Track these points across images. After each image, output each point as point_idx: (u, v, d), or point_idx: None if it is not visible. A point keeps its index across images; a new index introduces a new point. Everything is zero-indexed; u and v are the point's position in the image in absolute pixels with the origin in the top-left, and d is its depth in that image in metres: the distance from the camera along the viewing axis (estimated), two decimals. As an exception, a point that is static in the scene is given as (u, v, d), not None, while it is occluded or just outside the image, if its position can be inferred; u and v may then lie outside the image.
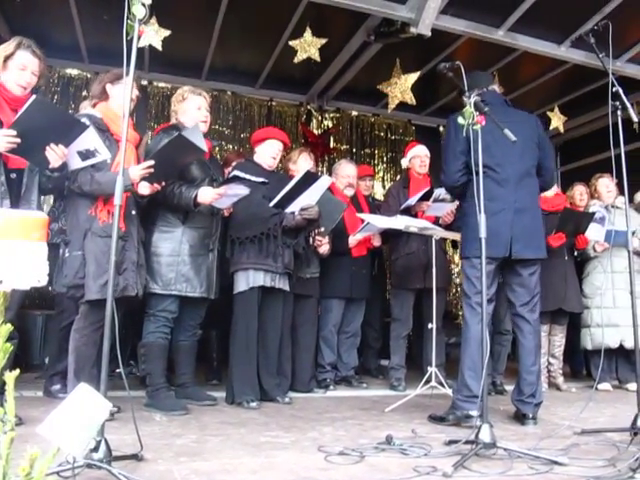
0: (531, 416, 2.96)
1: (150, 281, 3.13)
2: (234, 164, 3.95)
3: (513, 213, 2.96)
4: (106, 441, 1.83)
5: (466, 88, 2.52)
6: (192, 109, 3.31)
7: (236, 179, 3.18)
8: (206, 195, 3.10)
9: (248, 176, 3.19)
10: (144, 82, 6.08)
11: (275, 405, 3.41)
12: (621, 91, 2.80)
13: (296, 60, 4.94)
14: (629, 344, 4.37)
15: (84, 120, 2.76)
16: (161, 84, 6.22)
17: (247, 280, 3.44)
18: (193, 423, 2.83)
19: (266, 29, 5.19)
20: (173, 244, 3.20)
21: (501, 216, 2.93)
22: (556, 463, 2.12)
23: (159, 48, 4.64)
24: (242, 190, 3.17)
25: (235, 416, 3.06)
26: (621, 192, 3.94)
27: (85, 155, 2.72)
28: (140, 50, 4.90)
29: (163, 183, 2.97)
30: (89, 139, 2.69)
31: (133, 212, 2.97)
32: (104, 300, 2.54)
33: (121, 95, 2.93)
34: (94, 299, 2.76)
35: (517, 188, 3.00)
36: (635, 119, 2.78)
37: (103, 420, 1.69)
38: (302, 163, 3.99)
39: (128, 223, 2.91)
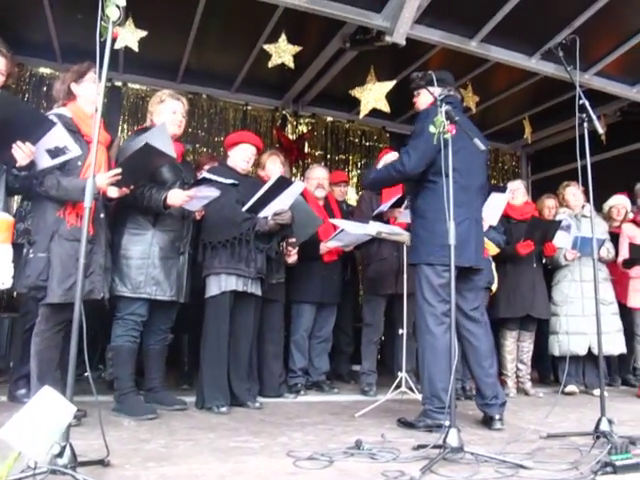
0: (498, 417, 2.99)
1: (119, 284, 3.11)
2: (207, 167, 3.94)
3: (475, 222, 3.03)
4: (71, 446, 1.80)
5: (438, 97, 2.55)
6: (167, 112, 3.30)
7: (206, 181, 3.16)
8: (176, 197, 3.08)
9: (218, 178, 3.18)
10: (118, 83, 6.04)
11: (245, 410, 3.40)
12: (587, 104, 2.87)
13: (270, 65, 4.96)
14: (597, 351, 4.47)
15: (52, 117, 2.70)
16: (135, 86, 6.16)
17: (219, 284, 3.42)
18: (162, 428, 2.80)
19: (243, 33, 5.19)
20: (143, 247, 3.17)
21: (466, 224, 2.96)
22: (521, 467, 2.15)
23: (135, 49, 4.60)
24: (212, 192, 3.16)
25: (205, 421, 3.04)
26: (588, 201, 4.05)
27: (54, 153, 2.66)
28: (115, 51, 4.91)
29: (132, 187, 2.95)
30: (57, 136, 2.62)
31: (102, 215, 2.94)
32: (66, 303, 2.51)
33: (89, 94, 2.91)
34: (56, 302, 2.72)
35: (477, 197, 3.09)
36: (600, 131, 2.85)
37: (67, 424, 1.67)
38: (271, 167, 4.00)
39: (96, 226, 2.87)
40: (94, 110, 2.06)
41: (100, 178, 2.66)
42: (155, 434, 2.64)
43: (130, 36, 4.47)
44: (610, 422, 2.61)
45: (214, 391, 3.35)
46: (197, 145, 6.36)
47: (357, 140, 7.28)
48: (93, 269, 2.86)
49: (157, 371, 3.38)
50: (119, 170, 2.73)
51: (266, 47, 4.95)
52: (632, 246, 4.66)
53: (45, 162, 2.70)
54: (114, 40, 2.04)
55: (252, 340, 3.63)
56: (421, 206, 3.10)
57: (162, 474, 1.98)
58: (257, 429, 2.86)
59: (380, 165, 3.25)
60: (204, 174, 3.26)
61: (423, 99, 3.27)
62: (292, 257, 3.98)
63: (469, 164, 2.99)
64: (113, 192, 2.84)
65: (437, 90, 3.00)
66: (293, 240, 3.86)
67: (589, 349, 4.51)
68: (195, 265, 3.46)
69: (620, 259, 4.71)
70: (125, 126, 6.02)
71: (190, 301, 3.44)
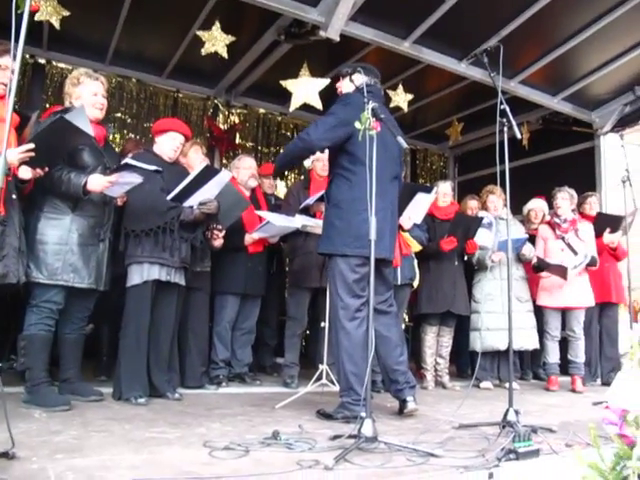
0: (411, 398, 3.09)
1: (34, 270, 2.97)
2: (132, 154, 3.83)
3: (391, 214, 3.07)
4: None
5: (365, 93, 2.59)
6: (87, 94, 3.18)
7: (128, 167, 3.07)
8: (96, 182, 2.98)
9: (140, 164, 3.10)
10: (42, 60, 5.77)
11: (164, 401, 3.35)
12: (508, 109, 2.99)
13: (204, 52, 4.88)
14: (515, 346, 4.69)
15: None
16: (61, 64, 5.90)
17: (142, 273, 3.35)
18: (76, 419, 2.71)
19: (176, 18, 5.08)
20: (61, 232, 3.05)
21: (382, 215, 2.91)
22: (432, 455, 2.23)
23: (56, 26, 4.40)
24: (135, 178, 3.07)
25: (121, 412, 2.97)
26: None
27: None
28: (38, 26, 4.69)
29: (47, 168, 2.82)
30: None
31: (13, 196, 2.79)
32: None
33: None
34: None
35: (390, 188, 3.12)
36: (519, 136, 2.98)
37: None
38: (193, 156, 3.95)
39: (8, 207, 2.73)
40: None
41: (11, 153, 2.52)
42: (67, 426, 2.55)
43: (52, 10, 4.26)
44: (517, 412, 2.74)
45: (132, 382, 3.27)
46: (125, 131, 6.16)
47: (289, 133, 7.28)
48: (7, 252, 2.72)
49: (73, 361, 3.27)
50: (31, 145, 2.60)
51: (199, 33, 4.88)
52: (539, 260, 4.91)
53: None
54: (33, 13, 1.94)
55: (173, 331, 3.57)
56: (336, 195, 3.06)
57: (71, 466, 1.91)
58: (175, 420, 2.82)
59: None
60: (127, 159, 3.16)
61: (346, 85, 3.26)
62: (218, 241, 3.89)
63: (384, 155, 2.97)
64: (25, 172, 2.71)
65: (361, 78, 3.04)
66: (219, 226, 3.81)
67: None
68: (116, 253, 3.36)
69: (534, 260, 4.94)
70: (48, 106, 5.75)
71: (110, 290, 3.35)
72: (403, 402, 3.11)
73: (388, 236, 3.05)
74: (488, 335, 4.75)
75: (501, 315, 4.68)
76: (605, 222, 5.21)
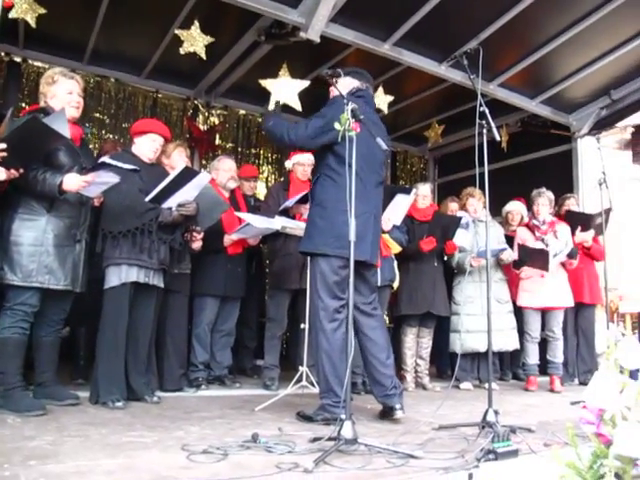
0: (399, 406, 3.06)
1: (8, 272, 2.92)
2: (109, 155, 3.78)
3: (374, 218, 3.07)
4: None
5: (345, 95, 2.58)
6: (62, 93, 3.13)
7: (105, 166, 3.03)
8: (72, 182, 2.93)
9: (118, 163, 3.05)
10: (17, 59, 5.67)
11: (142, 405, 3.31)
12: (487, 111, 3.00)
13: (182, 51, 4.85)
14: (495, 347, 4.73)
15: None
16: (37, 63, 5.79)
17: (119, 275, 3.31)
18: (51, 424, 2.66)
19: (155, 17, 5.03)
20: (36, 233, 2.99)
21: (365, 218, 2.96)
22: (412, 456, 2.22)
23: (32, 24, 4.33)
24: (112, 178, 3.03)
25: (98, 416, 2.92)
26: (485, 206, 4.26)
27: None
28: (14, 23, 4.61)
29: (22, 170, 2.77)
30: None
31: None
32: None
33: None
34: None
35: (375, 193, 3.13)
36: (497, 138, 2.99)
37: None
38: (176, 157, 3.91)
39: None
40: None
41: None
42: (42, 431, 2.50)
43: (27, 8, 4.19)
44: (496, 413, 2.76)
45: (110, 385, 3.23)
46: (103, 131, 6.09)
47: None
48: (-20, 254, 2.67)
49: (48, 364, 3.21)
50: (3, 145, 2.55)
51: (178, 32, 4.84)
52: (520, 247, 4.95)
53: None
54: (7, 9, 1.90)
55: (152, 333, 3.53)
56: (320, 194, 3.07)
57: (45, 473, 1.87)
58: (153, 424, 2.78)
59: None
60: (104, 158, 3.12)
61: (336, 91, 3.27)
62: (197, 243, 3.85)
63: (369, 159, 3.03)
64: (0, 174, 2.65)
65: (350, 82, 3.12)
66: (198, 228, 3.77)
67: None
68: (93, 254, 3.31)
69: (512, 256, 4.97)
70: (24, 105, 5.66)
71: (88, 292, 3.30)
72: (390, 409, 3.08)
73: (370, 240, 3.04)
74: (468, 337, 4.77)
75: (481, 317, 4.70)
76: (575, 221, 5.26)
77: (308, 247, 3.07)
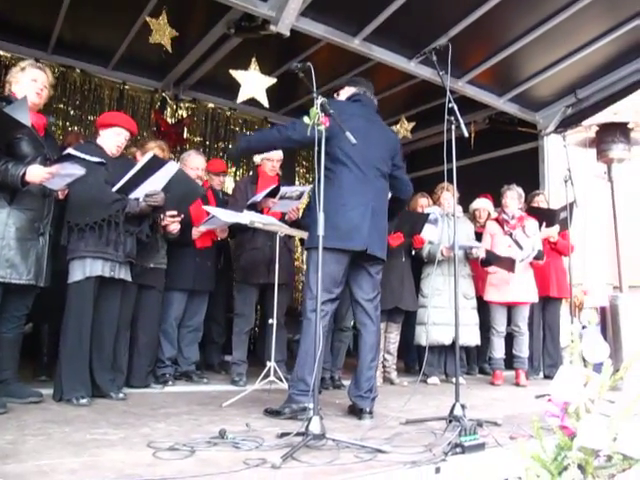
0: (368, 410, 3.05)
1: (-32, 266, 2.82)
2: (74, 146, 3.69)
3: (371, 211, 3.07)
4: None
5: (314, 89, 2.57)
6: (27, 80, 3.06)
7: (70, 158, 2.95)
8: (36, 174, 2.84)
9: (83, 155, 2.98)
10: (-22, 48, 5.51)
11: (108, 401, 3.24)
12: (456, 107, 3.03)
13: (151, 40, 4.76)
14: (460, 341, 4.76)
15: None
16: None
17: (83, 269, 3.22)
18: (11, 423, 2.58)
19: (123, 6, 4.94)
20: (-4, 226, 2.91)
21: (361, 210, 3.02)
22: (379, 451, 2.23)
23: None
24: (77, 170, 2.94)
25: (61, 414, 2.85)
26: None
27: None
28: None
29: None
30: None
31: None
32: None
33: None
34: None
35: (374, 188, 3.13)
36: (466, 134, 3.02)
37: None
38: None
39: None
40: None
41: None
42: (1, 430, 2.42)
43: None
44: (463, 407, 2.79)
45: (74, 382, 3.15)
46: (67, 123, 5.95)
47: (238, 129, 7.20)
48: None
49: (9, 361, 3.11)
50: None
51: (148, 19, 4.75)
52: (488, 253, 5.01)
53: None
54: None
55: (118, 328, 3.47)
56: (316, 194, 3.10)
57: (4, 473, 1.81)
58: (118, 421, 2.73)
59: None
60: (69, 150, 3.04)
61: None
62: (174, 225, 3.76)
63: (366, 153, 3.05)
64: None
65: (349, 90, 3.29)
66: (174, 213, 3.70)
67: (453, 339, 4.78)
68: (57, 248, 3.23)
69: (482, 254, 5.02)
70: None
71: (51, 287, 3.22)
72: (360, 411, 3.07)
73: (366, 232, 3.03)
74: (434, 329, 4.82)
75: (448, 310, 4.75)
76: (540, 217, 5.34)
77: (307, 244, 3.15)
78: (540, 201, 5.66)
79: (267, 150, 3.23)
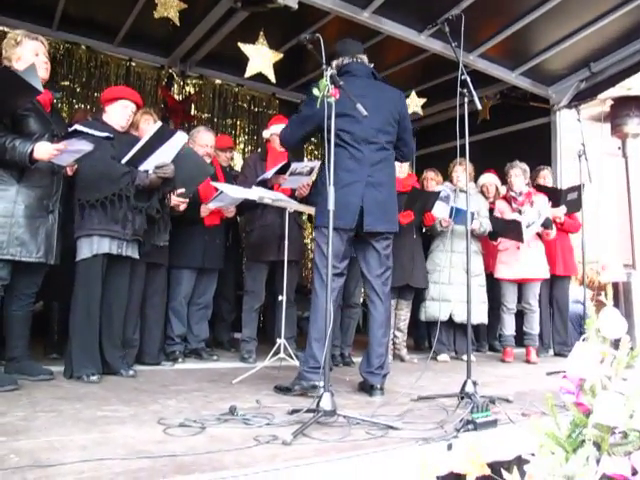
0: (379, 387, 3.04)
1: (-23, 244, 2.81)
2: (80, 123, 3.64)
3: (365, 186, 3.01)
4: None
5: (324, 61, 2.51)
6: (29, 54, 2.99)
7: (77, 133, 2.91)
8: (44, 150, 2.81)
9: (91, 130, 2.94)
10: (-19, 25, 5.45)
11: (118, 379, 3.26)
12: (469, 79, 2.96)
13: (156, 15, 4.69)
14: (458, 318, 4.76)
15: None
16: (4, 28, 5.56)
17: (91, 247, 3.21)
18: (23, 400, 2.60)
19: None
20: (6, 204, 2.88)
21: (352, 188, 2.97)
22: (391, 427, 2.22)
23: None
24: (85, 146, 2.91)
25: (72, 391, 2.86)
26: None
27: None
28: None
29: None
30: None
31: None
32: None
33: None
34: None
35: (372, 163, 3.06)
36: (479, 107, 2.96)
37: None
38: (144, 127, 3.76)
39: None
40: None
41: None
42: (13, 406, 2.43)
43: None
44: (474, 384, 2.77)
45: (84, 359, 3.16)
46: (74, 100, 5.90)
47: (246, 105, 7.13)
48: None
49: (20, 339, 3.13)
50: None
51: (153, -7, 4.67)
52: (493, 219, 4.96)
53: None
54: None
55: (128, 305, 3.46)
56: (321, 176, 3.15)
57: (15, 449, 1.82)
58: (128, 397, 2.74)
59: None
60: (76, 126, 3.00)
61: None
62: (182, 205, 3.77)
63: (361, 131, 3.00)
64: None
65: (335, 65, 3.16)
66: (182, 191, 3.66)
67: (450, 316, 4.77)
68: (67, 225, 3.22)
69: (488, 227, 4.96)
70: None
71: (62, 266, 3.21)
72: (370, 387, 3.06)
73: (357, 209, 3.00)
74: (432, 305, 4.81)
75: (447, 286, 4.75)
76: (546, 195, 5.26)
77: (315, 223, 3.18)
78: (545, 176, 5.55)
79: (303, 137, 3.19)
